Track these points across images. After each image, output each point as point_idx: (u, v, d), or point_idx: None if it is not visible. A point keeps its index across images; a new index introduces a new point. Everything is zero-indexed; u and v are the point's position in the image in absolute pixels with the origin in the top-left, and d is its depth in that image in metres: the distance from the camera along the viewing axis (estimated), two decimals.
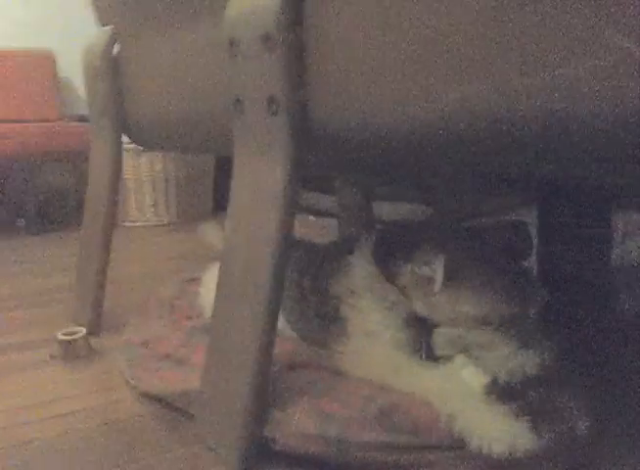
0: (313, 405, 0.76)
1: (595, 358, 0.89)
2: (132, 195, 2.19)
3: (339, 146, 0.71)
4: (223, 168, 2.42)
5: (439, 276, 0.80)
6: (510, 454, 0.68)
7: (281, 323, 0.98)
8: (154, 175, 2.21)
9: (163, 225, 2.26)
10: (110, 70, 1.09)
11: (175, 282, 1.33)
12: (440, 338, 0.82)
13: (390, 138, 0.63)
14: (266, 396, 0.75)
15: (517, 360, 0.75)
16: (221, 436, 0.76)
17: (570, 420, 0.74)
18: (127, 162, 2.17)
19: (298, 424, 0.73)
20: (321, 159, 0.76)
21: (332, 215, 1.66)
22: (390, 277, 0.88)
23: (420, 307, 0.84)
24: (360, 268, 0.91)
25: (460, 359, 0.80)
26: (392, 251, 0.88)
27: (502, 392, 0.76)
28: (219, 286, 0.81)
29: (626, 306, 1.13)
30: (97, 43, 1.11)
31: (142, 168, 2.19)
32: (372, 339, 0.85)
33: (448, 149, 0.59)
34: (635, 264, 1.24)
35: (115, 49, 1.10)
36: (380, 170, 0.81)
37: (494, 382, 0.76)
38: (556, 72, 0.45)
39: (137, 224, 2.21)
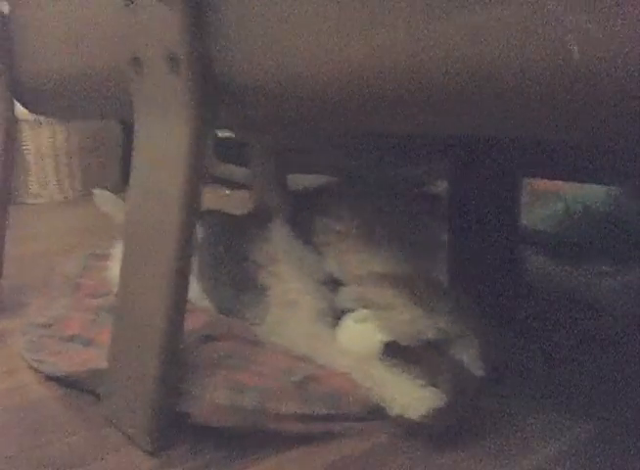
0: (229, 378, 0.74)
1: (500, 320, 0.91)
2: (33, 170, 2.06)
3: (246, 103, 0.67)
4: (130, 138, 2.33)
5: (351, 229, 0.80)
6: (428, 416, 0.70)
7: (197, 293, 0.95)
8: (56, 148, 2.09)
9: (68, 201, 2.14)
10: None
11: (79, 258, 1.27)
12: (345, 296, 0.82)
13: (299, 93, 0.60)
14: (177, 370, 0.72)
15: (419, 325, 0.75)
16: (131, 415, 0.72)
17: (471, 384, 0.76)
18: (26, 134, 2.03)
19: (213, 397, 0.70)
20: (229, 119, 0.72)
21: (246, 187, 1.63)
22: (308, 239, 0.86)
23: (332, 266, 0.84)
24: (279, 233, 0.89)
25: (358, 314, 0.79)
26: (310, 211, 0.87)
27: (402, 353, 0.77)
28: (124, 258, 0.77)
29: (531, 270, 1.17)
30: None
31: (43, 141, 2.06)
32: (292, 308, 0.84)
33: (356, 104, 0.57)
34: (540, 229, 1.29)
35: (4, 7, 1.01)
36: (287, 130, 0.78)
37: (394, 343, 0.76)
38: (462, 19, 0.43)
39: (40, 201, 2.09)
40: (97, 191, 1.19)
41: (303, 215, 0.89)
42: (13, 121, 1.08)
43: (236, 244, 0.94)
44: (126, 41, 0.71)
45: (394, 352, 0.76)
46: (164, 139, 0.70)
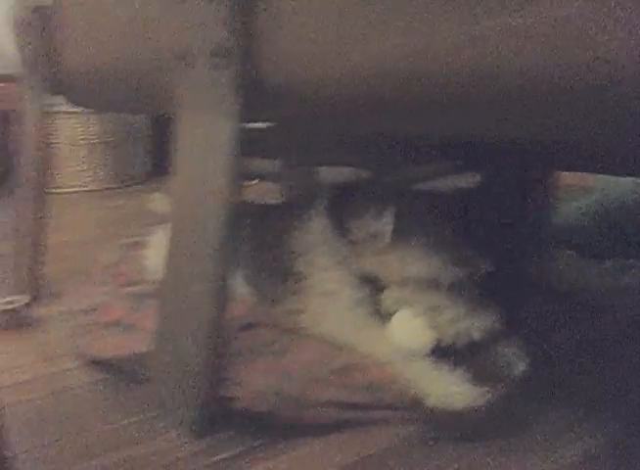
0: (271, 365, 0.75)
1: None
2: (67, 160, 2.10)
3: (286, 100, 0.69)
4: (161, 130, 2.35)
5: (389, 229, 0.80)
6: (463, 410, 0.71)
7: (237, 281, 0.97)
8: (89, 139, 2.12)
9: (101, 190, 2.17)
10: (42, 22, 1.02)
11: (116, 247, 1.29)
12: (389, 299, 0.83)
13: (330, 91, 0.61)
14: (222, 355, 0.74)
15: (463, 324, 0.76)
16: (177, 398, 0.74)
17: (507, 382, 0.76)
18: (60, 125, 2.06)
19: (258, 383, 0.72)
20: (268, 113, 0.74)
21: (275, 180, 1.64)
22: (343, 234, 0.87)
23: (370, 266, 0.85)
24: (316, 224, 0.90)
25: (413, 309, 0.80)
26: (346, 208, 0.88)
27: (448, 353, 0.78)
28: (169, 246, 0.79)
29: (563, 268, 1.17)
30: None
31: (76, 132, 2.09)
32: (330, 298, 0.85)
33: (384, 104, 0.58)
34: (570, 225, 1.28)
35: None
36: (322, 126, 0.79)
37: (439, 344, 0.77)
38: (485, 24, 0.44)
39: (73, 190, 2.12)
40: (155, 195, 1.21)
41: (341, 209, 0.90)
42: (46, 114, 1.10)
43: (274, 233, 0.96)
44: (174, 35, 0.73)
45: (441, 350, 0.77)
46: (207, 132, 0.71)
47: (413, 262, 0.80)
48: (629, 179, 1.24)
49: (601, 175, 1.28)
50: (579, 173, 1.17)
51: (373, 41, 0.54)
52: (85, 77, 0.99)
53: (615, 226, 1.22)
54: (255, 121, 0.74)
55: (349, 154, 1.11)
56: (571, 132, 0.55)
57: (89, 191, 2.17)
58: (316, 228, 0.91)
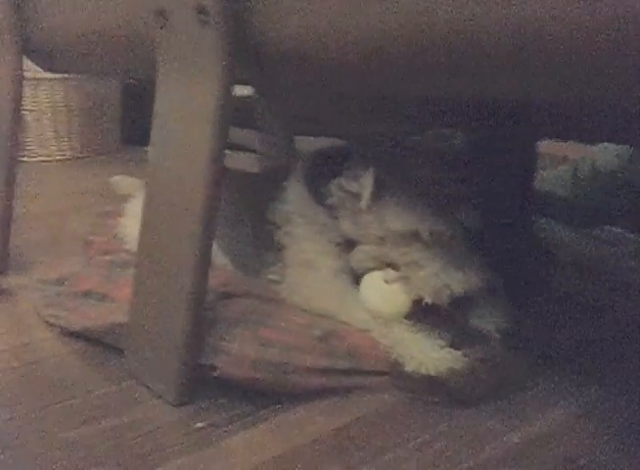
0: (251, 333, 0.75)
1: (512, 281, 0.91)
2: (31, 127, 2.03)
3: (276, 60, 0.66)
4: (131, 98, 2.29)
5: (367, 190, 0.79)
6: (444, 374, 0.72)
7: (214, 251, 0.95)
8: (54, 106, 2.05)
9: (67, 160, 2.11)
10: None
11: (88, 216, 1.26)
12: (362, 255, 0.82)
13: (334, 51, 0.59)
14: (202, 324, 0.73)
15: (443, 280, 0.75)
16: (156, 368, 0.73)
17: (486, 343, 0.77)
18: (25, 92, 1.99)
19: (238, 350, 0.71)
20: (256, 75, 0.71)
21: (252, 150, 1.61)
22: (321, 198, 0.86)
23: (348, 227, 0.84)
24: (293, 193, 0.89)
25: (388, 274, 0.79)
26: (325, 172, 0.87)
27: (426, 313, 0.77)
28: (145, 214, 0.77)
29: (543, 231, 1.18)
30: None
31: (41, 99, 2.02)
32: (309, 268, 0.84)
33: (401, 66, 0.56)
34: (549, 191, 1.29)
35: None
36: (317, 87, 0.77)
37: (419, 302, 0.77)
38: None
39: (37, 159, 2.06)
40: (115, 178, 1.18)
41: (318, 176, 0.88)
42: (21, 80, 1.06)
43: (253, 202, 0.94)
44: None
45: (419, 312, 0.77)
46: (191, 95, 0.69)
47: (390, 218, 0.78)
48: (603, 148, 1.25)
49: (574, 144, 1.28)
50: (554, 142, 1.17)
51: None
52: (56, 39, 0.96)
53: (592, 195, 1.24)
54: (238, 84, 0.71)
55: (333, 122, 1.09)
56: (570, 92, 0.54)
57: (56, 161, 2.11)
58: (293, 197, 0.90)
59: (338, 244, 0.86)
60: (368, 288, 0.80)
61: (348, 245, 0.85)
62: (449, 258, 0.76)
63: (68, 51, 0.96)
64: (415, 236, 0.77)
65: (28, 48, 1.02)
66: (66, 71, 1.59)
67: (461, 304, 0.76)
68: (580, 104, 0.82)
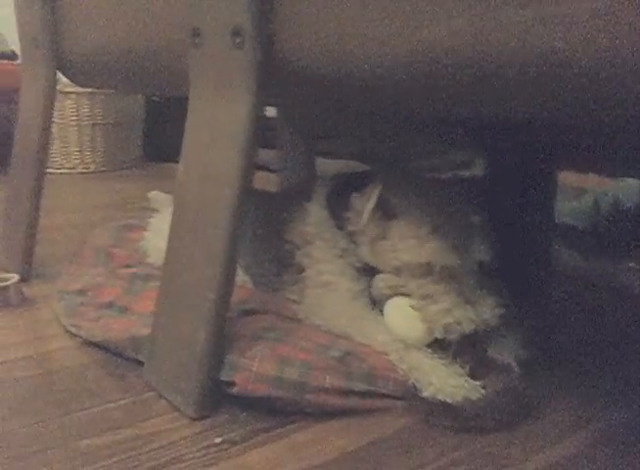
0: (271, 350, 0.75)
1: (533, 310, 0.92)
2: (56, 140, 2.07)
3: (306, 82, 0.68)
4: (154, 115, 2.33)
5: (368, 207, 0.79)
6: (461, 403, 0.72)
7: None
8: (80, 120, 2.09)
9: (90, 173, 2.15)
10: None
11: (110, 229, 1.27)
12: (381, 283, 0.83)
13: (365, 77, 0.61)
14: (223, 340, 0.73)
15: (454, 317, 0.76)
16: (176, 381, 0.73)
17: (505, 374, 0.77)
18: None
19: (257, 368, 0.72)
20: (285, 95, 0.73)
21: (272, 170, 1.63)
22: (342, 223, 0.87)
23: (365, 254, 0.84)
24: (314, 215, 0.90)
25: (412, 301, 0.79)
26: (346, 196, 0.88)
27: (446, 344, 0.78)
28: (172, 229, 0.78)
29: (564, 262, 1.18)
30: None
31: (67, 112, 2.06)
32: (328, 290, 0.85)
33: (428, 88, 0.57)
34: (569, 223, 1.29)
35: None
36: (346, 109, 0.79)
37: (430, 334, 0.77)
38: (552, 9, 0.44)
39: (61, 171, 2.10)
40: (152, 193, 1.20)
41: (340, 199, 0.89)
42: (54, 94, 1.08)
43: (274, 222, 0.95)
44: (187, 12, 0.71)
45: (439, 340, 0.77)
46: (221, 114, 0.70)
47: (404, 249, 0.79)
48: (625, 182, 1.25)
49: (592, 176, 1.29)
50: (573, 173, 1.18)
51: (396, 23, 0.54)
52: (90, 54, 0.98)
53: (614, 230, 1.24)
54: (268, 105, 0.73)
55: (354, 143, 1.11)
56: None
57: (80, 173, 2.15)
58: (314, 219, 0.90)
59: (357, 268, 0.86)
60: (393, 313, 0.80)
61: (368, 270, 0.85)
62: (462, 294, 0.76)
63: (102, 67, 0.99)
64: (428, 269, 0.77)
65: (62, 63, 1.05)
66: (98, 87, 1.61)
67: (478, 336, 0.76)
68: (603, 136, 0.83)
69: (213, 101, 0.72)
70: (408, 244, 0.79)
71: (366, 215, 0.80)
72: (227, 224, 0.69)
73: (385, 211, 0.81)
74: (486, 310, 0.77)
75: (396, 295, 0.81)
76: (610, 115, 0.51)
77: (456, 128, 0.96)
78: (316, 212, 0.91)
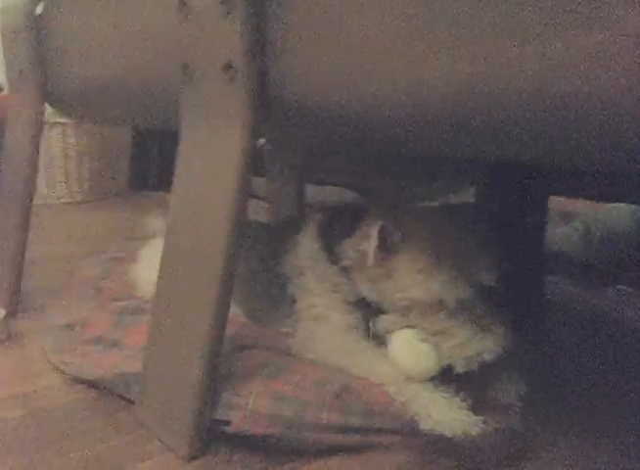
0: (267, 387, 0.74)
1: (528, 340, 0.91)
2: (42, 170, 2.05)
3: (298, 117, 0.68)
4: (140, 144, 2.32)
5: (373, 244, 0.78)
6: (460, 438, 0.70)
7: None
8: (66, 149, 2.08)
9: (76, 203, 2.13)
10: (32, 30, 1.00)
11: (98, 261, 1.26)
12: (387, 323, 0.81)
13: (363, 117, 0.60)
14: (217, 377, 0.72)
15: (474, 348, 0.74)
16: (168, 421, 0.72)
17: (507, 412, 0.75)
18: None
19: (252, 406, 0.70)
20: (277, 129, 0.73)
21: (261, 198, 1.63)
22: (335, 258, 0.86)
23: (367, 292, 0.82)
24: (306, 248, 0.89)
25: (417, 332, 0.78)
26: (339, 230, 0.87)
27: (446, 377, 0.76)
28: (163, 262, 0.77)
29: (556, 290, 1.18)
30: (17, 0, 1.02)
31: (53, 142, 2.05)
32: (320, 323, 0.84)
33: (427, 129, 0.57)
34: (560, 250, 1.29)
35: (39, 7, 1.01)
36: (340, 147, 0.79)
37: (450, 369, 0.76)
38: (552, 46, 0.44)
39: (47, 202, 2.08)
40: (149, 219, 1.19)
41: (332, 233, 0.88)
42: (42, 125, 1.07)
43: (266, 254, 0.94)
44: (179, 48, 0.71)
45: (443, 375, 0.76)
46: (214, 147, 0.70)
47: (413, 287, 0.77)
48: (616, 207, 1.26)
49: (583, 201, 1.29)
50: (560, 198, 1.18)
51: (392, 63, 0.54)
52: (78, 87, 0.97)
53: (605, 256, 1.24)
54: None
55: (345, 174, 1.11)
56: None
57: (66, 203, 2.13)
58: (306, 253, 0.90)
59: (349, 303, 0.85)
60: (398, 346, 0.78)
61: (361, 304, 0.84)
62: (476, 324, 0.75)
63: (91, 99, 0.98)
64: (440, 304, 0.76)
65: (50, 95, 1.04)
66: (87, 120, 1.61)
67: (483, 369, 0.75)
68: (594, 164, 0.83)
69: (206, 134, 0.71)
70: (415, 280, 0.77)
71: (371, 256, 0.78)
72: (222, 257, 0.68)
73: (384, 248, 0.79)
74: (500, 338, 0.75)
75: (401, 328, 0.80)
76: (610, 156, 0.51)
77: (446, 160, 0.96)
78: (308, 246, 0.90)
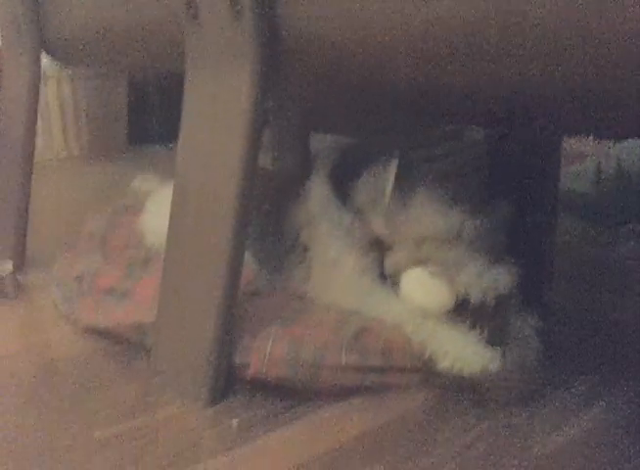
0: (284, 331, 0.73)
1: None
2: (39, 125, 2.01)
3: (309, 53, 0.65)
4: (137, 97, 2.27)
5: (390, 183, 0.77)
6: (478, 374, 0.70)
7: None
8: (62, 103, 2.04)
9: (74, 158, 2.10)
10: None
11: (104, 214, 1.24)
12: (400, 259, 0.80)
13: (363, 39, 0.58)
14: (234, 322, 0.71)
15: (488, 279, 0.74)
16: (187, 367, 0.71)
17: (524, 344, 0.75)
18: None
19: (271, 349, 0.70)
20: (288, 72, 0.70)
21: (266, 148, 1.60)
22: (347, 199, 0.85)
23: (379, 229, 0.82)
24: (316, 193, 0.88)
25: (430, 269, 0.77)
26: (349, 172, 0.85)
27: (462, 312, 0.76)
28: (174, 213, 0.75)
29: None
30: None
31: (48, 97, 2.01)
32: (335, 266, 0.83)
33: (427, 51, 0.55)
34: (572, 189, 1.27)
35: None
36: (349, 85, 0.76)
37: (465, 301, 0.75)
38: None
39: (45, 157, 2.05)
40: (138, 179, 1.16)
41: (342, 176, 0.87)
42: (39, 76, 1.04)
43: (277, 201, 0.93)
44: None
45: (457, 308, 0.75)
46: (223, 92, 0.67)
47: (428, 221, 0.77)
48: (628, 147, 1.24)
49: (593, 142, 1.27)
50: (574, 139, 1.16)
51: None
52: (78, 32, 0.94)
53: (616, 194, 1.23)
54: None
55: (353, 120, 1.08)
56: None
57: (64, 159, 2.09)
58: (317, 198, 0.88)
59: (363, 244, 0.84)
60: (411, 283, 0.78)
61: (375, 244, 0.83)
62: (491, 256, 0.74)
63: (91, 45, 0.95)
64: (455, 237, 0.75)
65: (47, 43, 1.01)
66: (87, 66, 1.56)
67: (499, 304, 0.75)
68: (606, 98, 0.81)
69: (213, 77, 0.69)
70: (432, 213, 0.77)
71: (389, 192, 0.77)
72: (235, 206, 0.66)
73: (400, 184, 0.78)
74: (514, 270, 0.75)
75: (413, 266, 0.79)
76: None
77: (456, 99, 0.93)
78: (318, 191, 0.88)
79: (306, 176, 0.91)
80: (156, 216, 1.00)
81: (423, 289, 0.77)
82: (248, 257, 0.93)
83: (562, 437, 0.65)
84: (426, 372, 0.73)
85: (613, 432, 0.66)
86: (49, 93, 2.02)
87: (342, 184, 0.86)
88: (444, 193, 0.77)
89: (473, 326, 0.73)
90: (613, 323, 0.90)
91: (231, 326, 0.70)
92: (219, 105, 0.68)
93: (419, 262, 0.78)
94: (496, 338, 0.73)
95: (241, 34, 0.64)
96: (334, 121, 1.34)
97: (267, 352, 0.70)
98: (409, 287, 0.78)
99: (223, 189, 0.68)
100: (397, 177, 0.79)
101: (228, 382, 0.71)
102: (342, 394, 0.71)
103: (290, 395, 0.70)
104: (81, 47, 0.95)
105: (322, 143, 1.36)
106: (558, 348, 0.80)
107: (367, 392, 0.71)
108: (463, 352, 0.71)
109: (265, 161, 1.39)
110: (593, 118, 0.90)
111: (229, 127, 0.67)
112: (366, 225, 0.84)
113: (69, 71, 1.98)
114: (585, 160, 1.31)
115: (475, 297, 0.74)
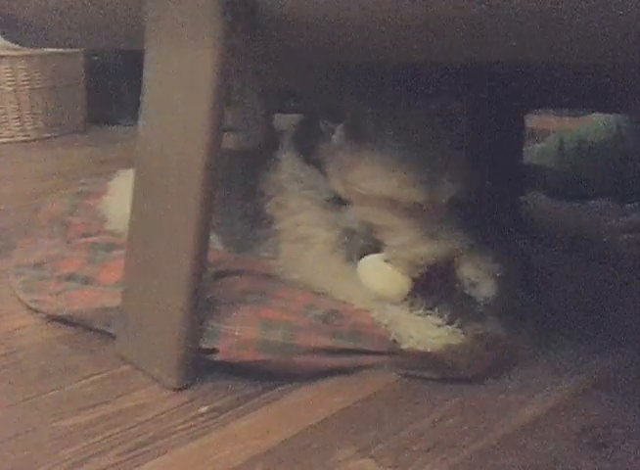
0: (253, 313, 0.72)
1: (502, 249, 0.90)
2: None
3: (271, 23, 0.63)
4: (96, 75, 2.21)
5: (340, 125, 0.77)
6: (442, 351, 0.71)
7: None
8: (17, 85, 1.97)
9: (31, 140, 2.04)
10: None
11: (64, 197, 1.21)
12: (350, 216, 0.81)
13: (332, 13, 0.57)
14: (200, 305, 0.70)
15: (414, 252, 0.75)
16: (154, 353, 0.70)
17: (485, 317, 0.76)
18: None
19: (240, 332, 0.69)
20: (247, 41, 0.68)
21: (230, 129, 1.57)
22: (312, 158, 0.83)
23: (336, 185, 0.81)
24: (286, 159, 0.86)
25: (383, 255, 0.78)
26: (313, 133, 0.84)
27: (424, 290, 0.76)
28: (136, 193, 0.73)
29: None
30: None
31: (2, 77, 1.94)
32: (305, 244, 0.82)
33: (397, 26, 0.54)
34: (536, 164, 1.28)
35: None
36: (310, 54, 0.74)
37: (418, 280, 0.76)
38: None
39: (2, 141, 1.98)
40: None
41: (307, 138, 0.85)
42: None
43: (244, 176, 0.91)
44: None
45: (416, 290, 0.76)
46: (186, 65, 0.65)
47: (370, 180, 0.76)
48: (590, 120, 1.25)
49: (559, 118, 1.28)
50: (539, 116, 1.16)
51: None
52: (30, 9, 0.90)
53: (579, 168, 1.24)
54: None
55: (317, 94, 1.06)
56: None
57: (20, 141, 2.03)
58: (286, 164, 0.87)
59: (327, 200, 0.83)
60: (368, 271, 0.79)
61: (338, 202, 0.83)
62: (426, 228, 0.76)
63: (46, 21, 0.91)
64: (393, 203, 0.76)
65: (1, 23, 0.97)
66: (40, 45, 1.51)
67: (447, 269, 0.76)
68: (571, 72, 0.81)
69: (175, 50, 0.66)
70: (375, 173, 0.76)
71: (337, 135, 0.77)
72: (200, 184, 0.65)
73: (356, 137, 0.78)
74: (452, 243, 0.76)
75: (369, 253, 0.80)
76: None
77: (426, 74, 0.92)
78: (287, 156, 0.87)
79: (272, 153, 0.90)
80: (118, 200, 0.97)
81: (379, 277, 0.78)
82: (213, 237, 0.92)
83: (530, 411, 0.65)
84: (393, 354, 0.73)
85: (581, 404, 0.67)
86: (3, 72, 1.95)
87: (307, 148, 0.85)
88: (399, 153, 0.76)
89: (429, 306, 0.74)
90: (584, 291, 0.91)
91: (198, 310, 0.69)
92: (183, 78, 0.66)
93: (363, 223, 0.79)
94: (456, 316, 0.74)
95: (204, 3, 0.62)
96: (300, 101, 1.32)
97: (236, 335, 0.69)
98: (366, 275, 0.79)
99: (187, 166, 0.66)
100: (351, 127, 0.78)
101: (197, 367, 0.70)
102: (313, 376, 0.70)
103: (260, 379, 0.69)
104: (35, 25, 0.91)
105: (287, 123, 1.34)
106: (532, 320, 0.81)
107: (337, 374, 0.71)
108: (425, 333, 0.73)
109: (229, 142, 1.37)
110: (554, 94, 0.91)
111: (192, 103, 0.65)
112: (328, 183, 0.83)
113: (26, 51, 1.91)
114: (549, 136, 1.32)
115: (400, 269, 0.76)
